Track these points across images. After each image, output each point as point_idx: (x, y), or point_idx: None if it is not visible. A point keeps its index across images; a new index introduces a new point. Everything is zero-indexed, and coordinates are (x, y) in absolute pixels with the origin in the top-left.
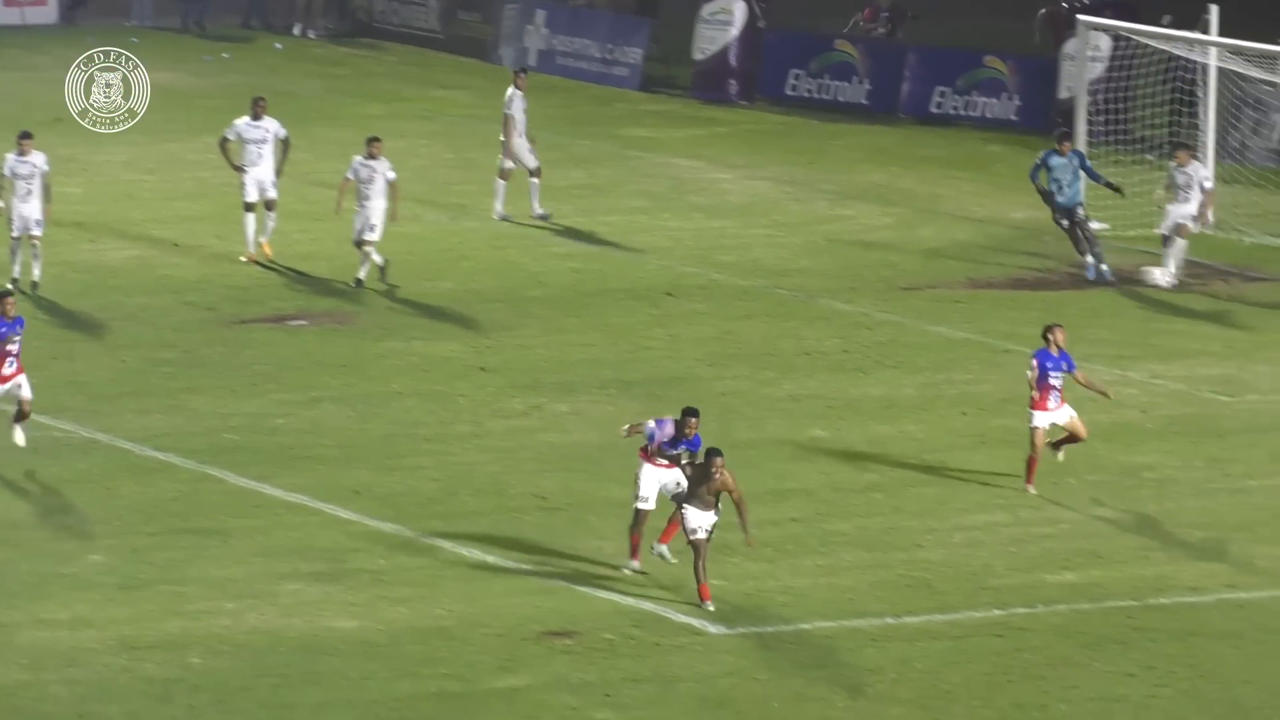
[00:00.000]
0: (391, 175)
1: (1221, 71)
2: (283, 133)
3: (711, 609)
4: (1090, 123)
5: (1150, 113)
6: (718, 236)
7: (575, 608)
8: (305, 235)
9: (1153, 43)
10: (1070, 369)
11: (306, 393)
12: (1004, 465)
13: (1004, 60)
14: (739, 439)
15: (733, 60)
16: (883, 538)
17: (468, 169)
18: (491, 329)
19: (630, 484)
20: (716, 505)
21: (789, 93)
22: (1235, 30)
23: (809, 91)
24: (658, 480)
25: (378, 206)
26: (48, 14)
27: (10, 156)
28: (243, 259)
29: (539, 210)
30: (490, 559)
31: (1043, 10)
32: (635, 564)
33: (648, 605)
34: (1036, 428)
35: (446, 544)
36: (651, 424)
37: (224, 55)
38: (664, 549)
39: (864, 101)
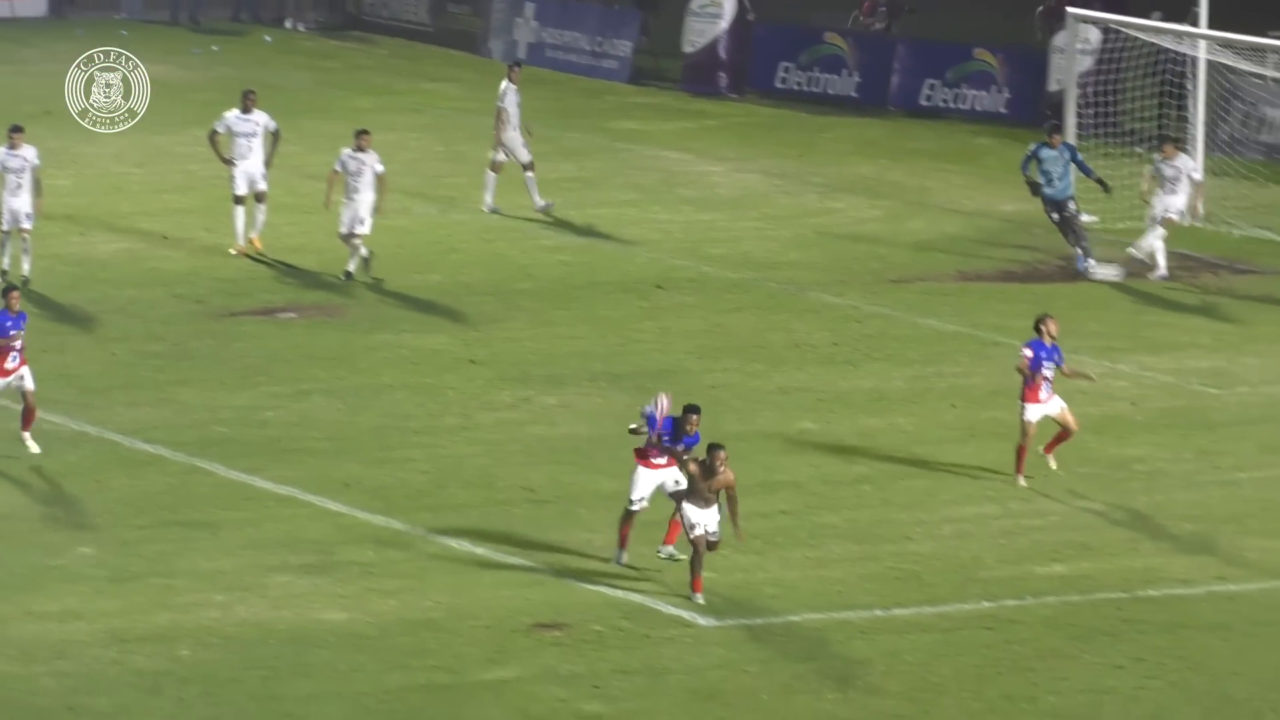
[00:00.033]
0: (380, 168)
1: (1210, 64)
2: (273, 125)
3: (701, 602)
4: (1080, 116)
5: (1140, 106)
6: (707, 229)
7: (564, 600)
8: (294, 228)
9: (1142, 36)
10: (1059, 363)
11: (296, 385)
12: (993, 458)
13: (994, 53)
14: (728, 431)
15: (722, 53)
16: (872, 530)
17: (457, 162)
18: (480, 322)
19: (621, 479)
20: (717, 502)
21: (779, 85)
22: (1224, 23)
23: (798, 84)
24: (653, 481)
25: (366, 200)
26: (37, 6)
27: (1, 150)
28: (232, 251)
29: (540, 202)
30: (479, 551)
31: (1040, 8)
32: (624, 556)
33: (636, 597)
34: (1029, 420)
35: (436, 536)
36: (648, 408)
37: (213, 48)
38: (671, 549)
39: (853, 94)
